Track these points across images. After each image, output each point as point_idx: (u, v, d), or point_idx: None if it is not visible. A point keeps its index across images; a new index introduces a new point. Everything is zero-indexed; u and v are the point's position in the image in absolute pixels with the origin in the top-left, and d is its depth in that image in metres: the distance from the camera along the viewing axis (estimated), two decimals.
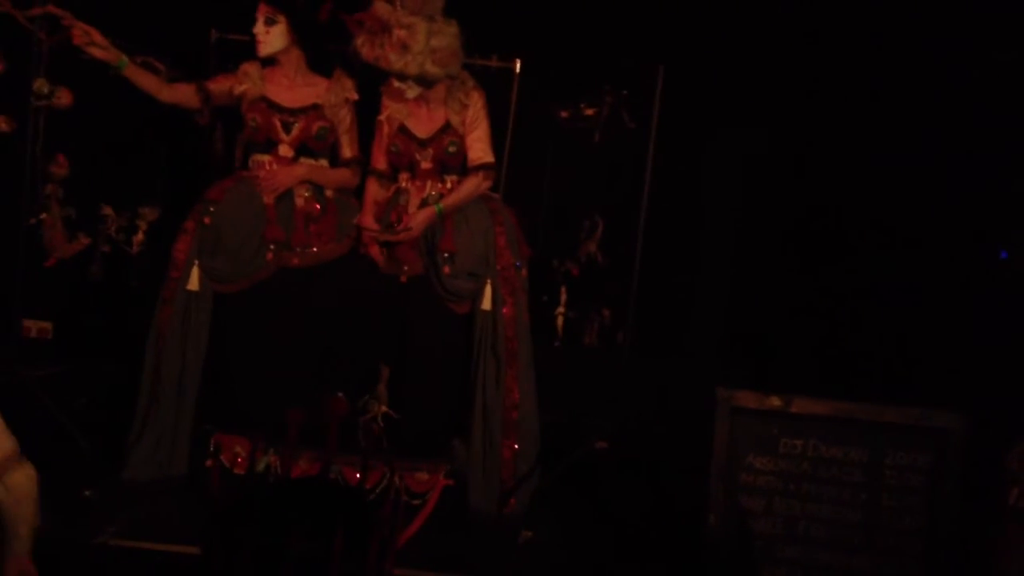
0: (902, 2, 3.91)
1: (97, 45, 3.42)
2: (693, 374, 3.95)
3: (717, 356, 4.15)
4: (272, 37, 3.58)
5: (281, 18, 3.56)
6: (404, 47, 3.43)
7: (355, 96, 3.68)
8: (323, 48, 3.62)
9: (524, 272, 3.64)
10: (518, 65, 3.94)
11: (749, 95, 4.23)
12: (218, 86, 3.65)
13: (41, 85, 3.57)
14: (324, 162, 3.69)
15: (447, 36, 3.47)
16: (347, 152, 3.71)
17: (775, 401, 3.22)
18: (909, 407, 3.20)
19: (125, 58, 3.48)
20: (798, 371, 3.76)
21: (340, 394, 3.05)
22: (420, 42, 3.43)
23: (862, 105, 4.03)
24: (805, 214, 4.15)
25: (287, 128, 3.63)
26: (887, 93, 3.99)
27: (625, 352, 3.86)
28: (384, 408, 3.40)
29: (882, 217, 4.00)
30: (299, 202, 3.63)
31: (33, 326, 3.89)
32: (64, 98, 3.66)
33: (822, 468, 3.21)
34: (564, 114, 3.99)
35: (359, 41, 3.49)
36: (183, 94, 3.61)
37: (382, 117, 3.66)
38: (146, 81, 3.54)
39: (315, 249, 3.61)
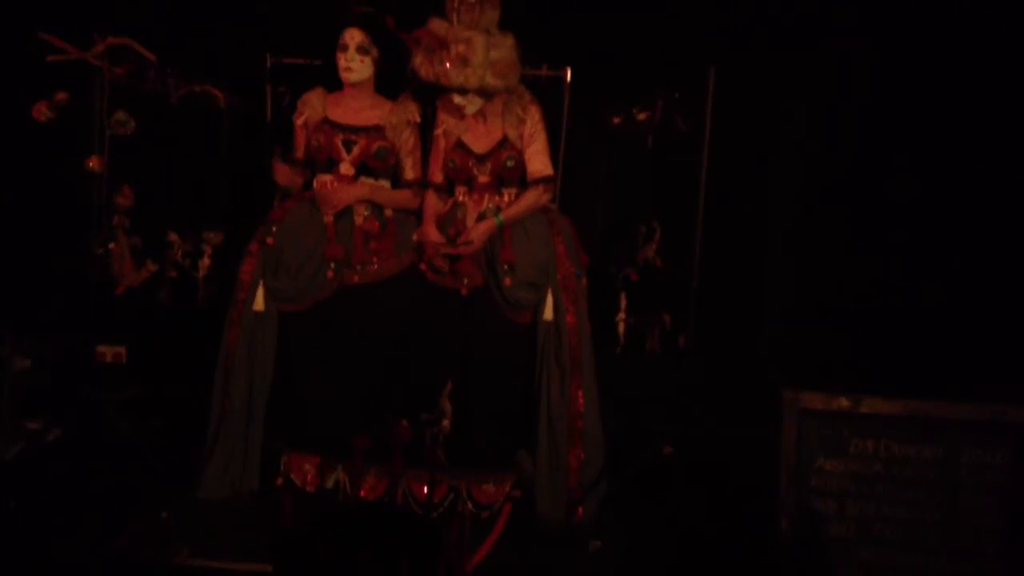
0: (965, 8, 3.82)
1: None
2: (758, 376, 3.91)
3: (782, 357, 4.09)
4: (364, 67, 3.64)
5: (374, 50, 3.62)
6: (464, 61, 3.45)
7: (418, 119, 3.72)
8: (392, 72, 3.66)
9: (584, 280, 3.65)
10: (568, 73, 3.93)
11: (806, 90, 4.17)
12: (300, 145, 3.75)
13: (125, 116, 3.68)
14: (385, 182, 3.73)
15: (505, 48, 3.50)
16: (409, 174, 3.75)
17: (843, 402, 3.17)
18: (983, 403, 3.13)
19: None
20: (867, 369, 3.69)
21: (404, 421, 3.09)
22: (480, 55, 3.45)
23: (925, 100, 3.94)
24: (868, 208, 4.07)
25: (348, 147, 3.68)
26: (951, 90, 3.89)
27: (688, 356, 3.83)
28: (447, 422, 3.42)
29: (949, 209, 3.90)
30: (358, 220, 3.67)
31: (108, 351, 3.99)
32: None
33: (895, 468, 3.15)
34: (616, 120, 3.97)
35: (417, 60, 3.53)
36: (299, 176, 3.74)
37: (439, 132, 3.70)
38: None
39: (375, 266, 3.65)
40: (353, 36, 3.63)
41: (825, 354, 3.95)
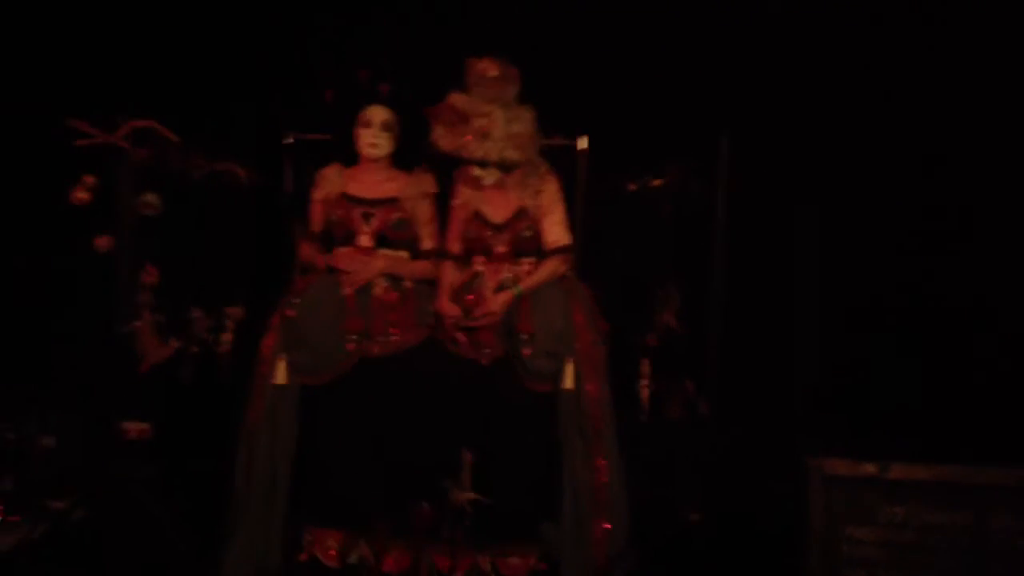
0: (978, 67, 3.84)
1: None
2: (784, 441, 3.86)
3: (807, 421, 4.05)
4: (387, 143, 3.72)
5: (396, 126, 3.70)
6: (484, 135, 3.53)
7: (434, 189, 3.78)
8: (407, 144, 3.73)
9: (604, 348, 3.65)
10: (583, 142, 3.98)
11: (823, 155, 4.19)
12: (317, 220, 3.79)
13: (153, 197, 3.75)
14: (403, 253, 3.77)
15: (524, 121, 3.57)
16: (427, 244, 3.79)
17: (870, 468, 3.13)
18: (1013, 468, 3.08)
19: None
20: (894, 435, 3.64)
21: (425, 504, 3.08)
22: (500, 129, 3.52)
23: (952, 158, 3.94)
24: (893, 268, 4.05)
25: (367, 220, 3.73)
26: (981, 146, 3.89)
27: (711, 423, 3.80)
28: (468, 495, 3.41)
29: (979, 269, 3.87)
30: (377, 291, 3.70)
31: (132, 428, 4.01)
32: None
33: (926, 536, 3.10)
34: (632, 187, 4.01)
35: (437, 133, 3.59)
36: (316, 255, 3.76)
37: (456, 202, 3.75)
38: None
39: (395, 337, 3.66)
40: (377, 113, 3.70)
41: (852, 419, 3.91)
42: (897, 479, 3.11)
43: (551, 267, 3.65)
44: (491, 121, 3.52)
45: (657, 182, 3.91)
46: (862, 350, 4.02)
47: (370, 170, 3.78)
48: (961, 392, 3.79)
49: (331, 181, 3.78)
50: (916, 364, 3.89)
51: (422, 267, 3.78)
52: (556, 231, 3.67)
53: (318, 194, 3.79)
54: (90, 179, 3.66)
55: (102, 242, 3.70)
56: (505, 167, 3.60)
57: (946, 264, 3.90)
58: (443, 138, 3.58)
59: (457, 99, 3.59)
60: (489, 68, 3.57)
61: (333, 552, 3.54)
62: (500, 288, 3.64)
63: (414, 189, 3.76)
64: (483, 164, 3.58)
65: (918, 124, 3.95)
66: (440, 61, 3.77)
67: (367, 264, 3.68)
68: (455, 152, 3.57)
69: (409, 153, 3.76)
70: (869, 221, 4.07)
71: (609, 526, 3.49)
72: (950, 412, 3.75)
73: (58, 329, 4.19)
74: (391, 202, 3.75)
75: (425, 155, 3.70)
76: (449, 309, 3.65)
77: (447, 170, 3.74)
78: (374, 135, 3.71)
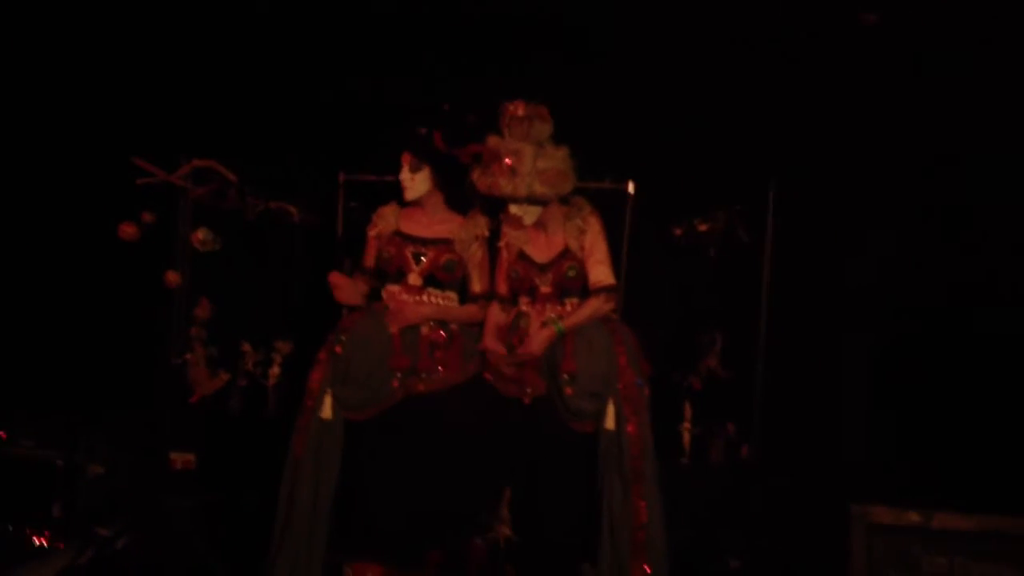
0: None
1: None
2: (826, 489, 3.83)
3: (851, 468, 4.00)
4: (417, 183, 3.78)
5: (425, 165, 3.77)
6: (512, 171, 3.59)
7: (486, 233, 3.83)
8: (461, 187, 3.79)
9: (646, 390, 3.66)
10: (631, 186, 4.03)
11: (871, 201, 4.19)
12: (370, 255, 3.86)
13: (207, 234, 3.85)
14: (451, 294, 3.82)
15: (554, 159, 3.63)
16: (476, 287, 3.84)
17: (914, 516, 3.10)
18: None
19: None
20: (939, 483, 3.59)
21: (478, 540, 3.09)
22: (527, 164, 3.58)
23: (991, 208, 3.93)
24: (939, 319, 4.02)
25: (417, 258, 3.79)
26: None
27: (752, 467, 3.78)
28: (507, 531, 3.42)
29: None
30: (424, 330, 3.75)
31: (178, 458, 4.09)
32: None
33: None
34: (678, 231, 4.05)
35: (475, 174, 3.67)
36: (366, 285, 3.86)
37: (502, 244, 3.81)
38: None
39: (441, 375, 3.70)
40: (405, 157, 3.79)
41: (896, 466, 3.86)
42: (942, 528, 3.06)
43: (594, 305, 3.68)
44: (519, 158, 3.60)
45: (703, 227, 3.94)
46: (908, 397, 3.97)
47: (424, 211, 3.86)
48: (1009, 441, 3.73)
49: (386, 219, 3.87)
50: (962, 412, 3.83)
51: (468, 312, 3.82)
52: (599, 270, 3.70)
53: (373, 231, 3.88)
54: (148, 217, 3.76)
55: (173, 277, 3.80)
56: (536, 202, 3.65)
57: (996, 312, 3.86)
58: (480, 178, 3.66)
59: (493, 141, 3.68)
60: (518, 108, 3.66)
61: None
62: (543, 326, 3.68)
63: (467, 232, 3.82)
64: (514, 200, 3.64)
65: (964, 170, 3.95)
66: (492, 108, 3.85)
67: (413, 309, 3.74)
68: (488, 191, 3.64)
69: (464, 197, 3.83)
70: (917, 268, 4.04)
71: (649, 569, 3.47)
72: (996, 461, 3.69)
73: (110, 359, 4.29)
74: (443, 243, 3.81)
75: (477, 198, 3.77)
76: (494, 346, 3.70)
77: (494, 211, 3.81)
78: (403, 177, 3.79)
